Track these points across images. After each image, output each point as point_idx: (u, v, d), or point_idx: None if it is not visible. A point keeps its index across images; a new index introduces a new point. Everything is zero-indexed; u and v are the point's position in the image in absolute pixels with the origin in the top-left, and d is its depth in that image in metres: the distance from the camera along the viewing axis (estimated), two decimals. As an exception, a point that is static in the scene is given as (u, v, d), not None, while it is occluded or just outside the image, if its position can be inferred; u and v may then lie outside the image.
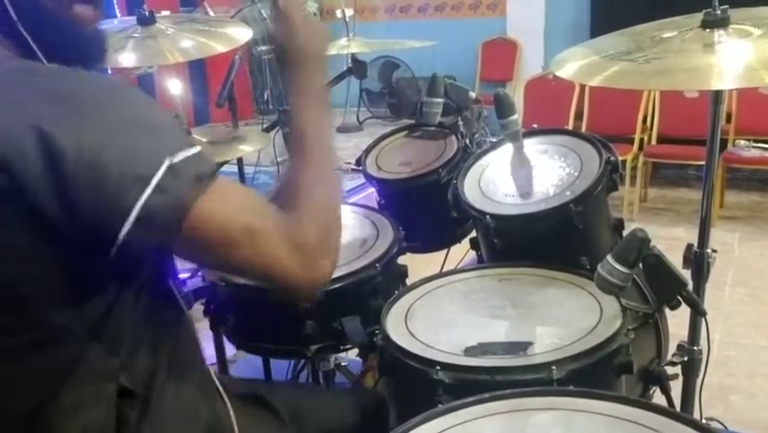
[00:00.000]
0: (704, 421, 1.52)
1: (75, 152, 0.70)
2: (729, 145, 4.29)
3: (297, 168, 0.95)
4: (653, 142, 4.52)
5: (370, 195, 2.30)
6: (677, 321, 1.53)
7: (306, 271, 0.84)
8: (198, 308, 1.56)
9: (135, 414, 0.86)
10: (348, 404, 1.31)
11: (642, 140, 4.47)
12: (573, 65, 1.34)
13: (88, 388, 0.82)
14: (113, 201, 0.72)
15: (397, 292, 1.46)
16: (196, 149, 0.79)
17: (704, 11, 1.26)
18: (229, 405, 1.02)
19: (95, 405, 0.83)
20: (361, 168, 2.01)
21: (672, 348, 1.55)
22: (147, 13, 1.78)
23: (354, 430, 1.24)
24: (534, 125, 1.78)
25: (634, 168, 4.33)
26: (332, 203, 0.92)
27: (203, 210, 0.77)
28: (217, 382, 1.03)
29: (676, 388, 1.48)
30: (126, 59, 1.70)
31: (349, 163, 2.08)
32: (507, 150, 1.70)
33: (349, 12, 4.77)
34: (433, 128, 1.99)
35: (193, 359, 0.99)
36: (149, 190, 0.73)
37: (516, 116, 1.64)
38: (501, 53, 6.37)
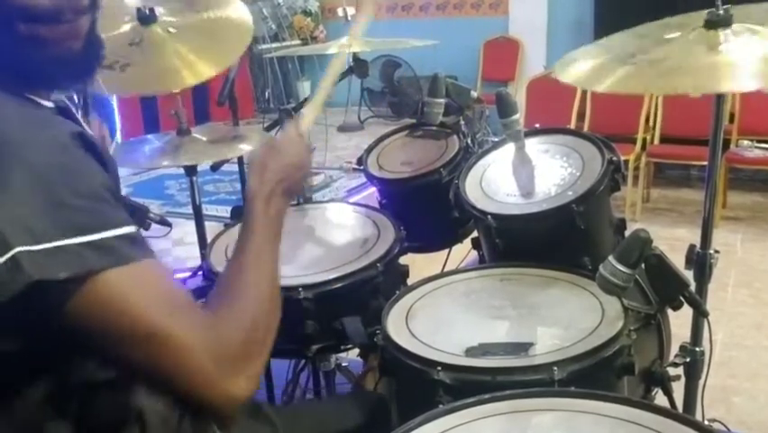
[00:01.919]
0: (706, 423, 1.51)
1: None
2: (732, 146, 4.29)
3: (234, 268, 0.88)
4: (656, 142, 4.52)
5: (371, 194, 2.30)
6: (679, 322, 1.53)
7: (221, 382, 0.75)
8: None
9: None
10: (348, 408, 1.31)
11: (644, 140, 4.46)
12: (577, 69, 1.32)
13: None
14: None
15: (398, 292, 1.45)
16: (103, 234, 0.71)
17: (707, 10, 1.25)
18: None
19: None
20: (362, 167, 2.01)
21: (674, 349, 1.54)
22: (147, 12, 1.77)
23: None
24: (536, 125, 1.77)
25: (636, 168, 4.32)
26: (264, 311, 0.84)
27: (80, 303, 0.69)
28: None
29: (678, 389, 1.48)
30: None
31: (350, 163, 2.07)
32: (508, 149, 1.69)
33: (350, 10, 4.76)
34: (434, 128, 1.99)
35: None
36: None
37: (517, 116, 1.63)
38: (503, 53, 6.37)
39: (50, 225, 0.69)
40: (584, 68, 1.32)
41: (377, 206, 1.94)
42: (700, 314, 1.38)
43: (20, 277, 0.67)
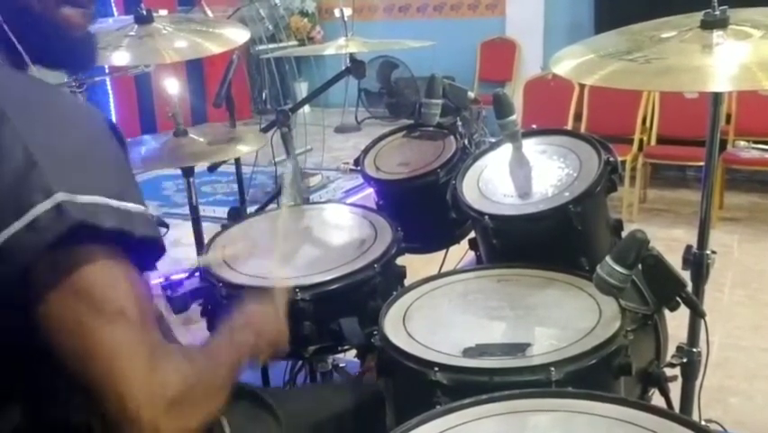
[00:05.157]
0: (703, 423, 1.52)
1: None
2: (729, 146, 4.30)
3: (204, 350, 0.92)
4: (653, 142, 4.53)
5: (369, 195, 2.30)
6: (676, 323, 1.53)
7: (153, 405, 0.71)
8: (196, 308, 1.55)
9: None
10: (343, 396, 1.32)
11: (641, 140, 4.47)
12: (571, 62, 1.33)
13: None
14: None
15: (395, 293, 1.45)
16: (130, 206, 0.72)
17: (704, 11, 1.26)
18: None
19: None
20: (359, 168, 2.01)
21: (671, 350, 1.55)
22: (144, 12, 1.78)
23: (350, 422, 1.24)
24: (534, 126, 1.77)
25: (633, 168, 4.33)
26: (212, 380, 0.86)
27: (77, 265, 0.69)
28: None
29: (675, 390, 1.48)
30: (121, 57, 1.69)
31: (347, 163, 2.07)
32: (505, 150, 1.69)
33: (347, 11, 4.75)
34: (431, 128, 1.98)
35: None
36: (19, 224, 0.66)
37: (514, 117, 1.63)
38: (500, 53, 6.37)
39: (81, 179, 0.71)
40: (578, 61, 1.32)
41: (374, 207, 1.94)
42: (697, 315, 1.38)
43: (64, 220, 0.67)
